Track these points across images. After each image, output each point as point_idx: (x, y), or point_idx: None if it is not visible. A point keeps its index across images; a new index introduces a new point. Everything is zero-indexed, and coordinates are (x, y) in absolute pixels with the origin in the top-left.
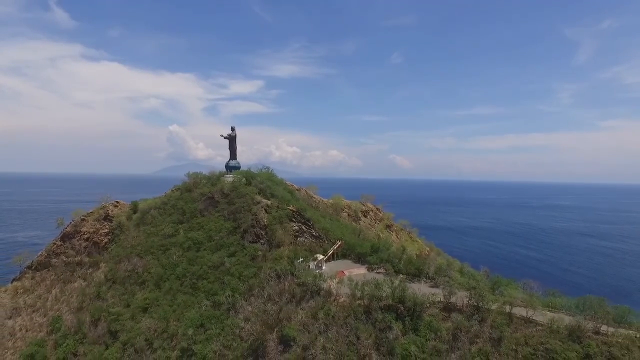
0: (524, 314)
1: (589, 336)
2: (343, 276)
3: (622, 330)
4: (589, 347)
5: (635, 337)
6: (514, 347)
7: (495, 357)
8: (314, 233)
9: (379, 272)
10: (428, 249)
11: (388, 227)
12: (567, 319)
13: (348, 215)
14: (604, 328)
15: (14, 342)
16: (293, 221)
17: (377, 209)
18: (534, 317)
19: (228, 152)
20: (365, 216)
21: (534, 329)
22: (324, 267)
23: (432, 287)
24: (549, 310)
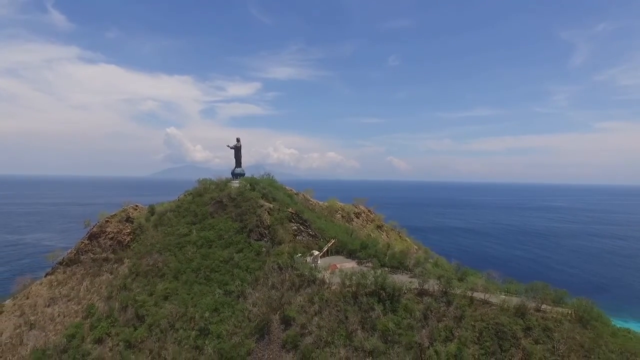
0: (482, 297)
1: (531, 313)
2: (335, 269)
3: (558, 309)
4: (530, 320)
5: (567, 313)
6: (472, 323)
7: (457, 332)
8: (310, 232)
9: (367, 266)
10: (416, 247)
11: (379, 227)
12: (515, 300)
13: (342, 216)
14: (544, 307)
15: (54, 326)
16: (292, 222)
17: (369, 211)
18: (490, 299)
19: (233, 159)
20: (358, 217)
21: (489, 308)
22: (319, 262)
23: (411, 277)
24: (504, 294)
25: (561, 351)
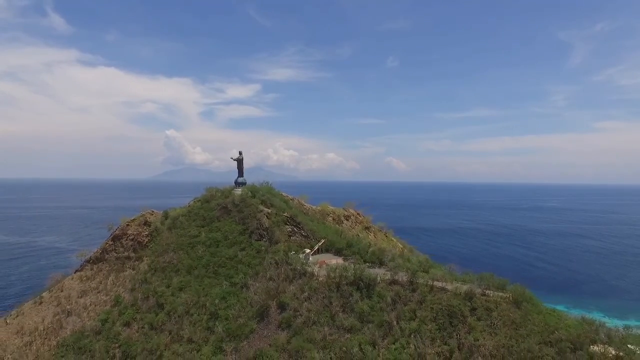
0: (440, 285)
1: (477, 297)
2: (323, 264)
3: (499, 293)
4: (476, 303)
5: (506, 296)
6: (431, 305)
7: (419, 313)
8: (303, 233)
9: (351, 262)
10: (401, 246)
11: (367, 228)
12: (465, 287)
13: (332, 219)
14: (488, 292)
15: (87, 313)
16: (287, 224)
17: (358, 214)
18: (446, 287)
19: (236, 168)
20: (347, 220)
21: (445, 294)
22: (310, 258)
23: (387, 270)
24: (461, 283)
25: (497, 326)
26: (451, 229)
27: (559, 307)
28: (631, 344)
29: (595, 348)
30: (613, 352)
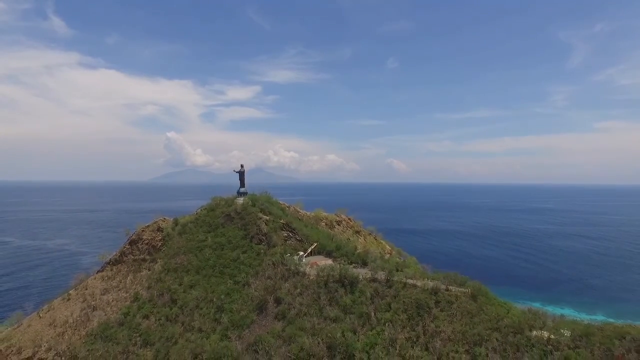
0: (412, 282)
1: (442, 291)
2: (315, 265)
3: (460, 289)
4: (440, 297)
5: (465, 291)
6: (403, 299)
7: (393, 305)
8: (297, 238)
9: (338, 263)
10: (389, 248)
11: (357, 232)
12: (432, 283)
13: (325, 224)
14: (451, 287)
15: (110, 308)
16: (283, 230)
17: (349, 219)
18: (416, 284)
19: (238, 179)
20: (339, 225)
21: (415, 289)
22: (303, 260)
23: (369, 270)
24: (430, 280)
25: (456, 315)
26: (446, 231)
27: (536, 304)
28: (563, 329)
29: (533, 332)
30: (547, 335)
